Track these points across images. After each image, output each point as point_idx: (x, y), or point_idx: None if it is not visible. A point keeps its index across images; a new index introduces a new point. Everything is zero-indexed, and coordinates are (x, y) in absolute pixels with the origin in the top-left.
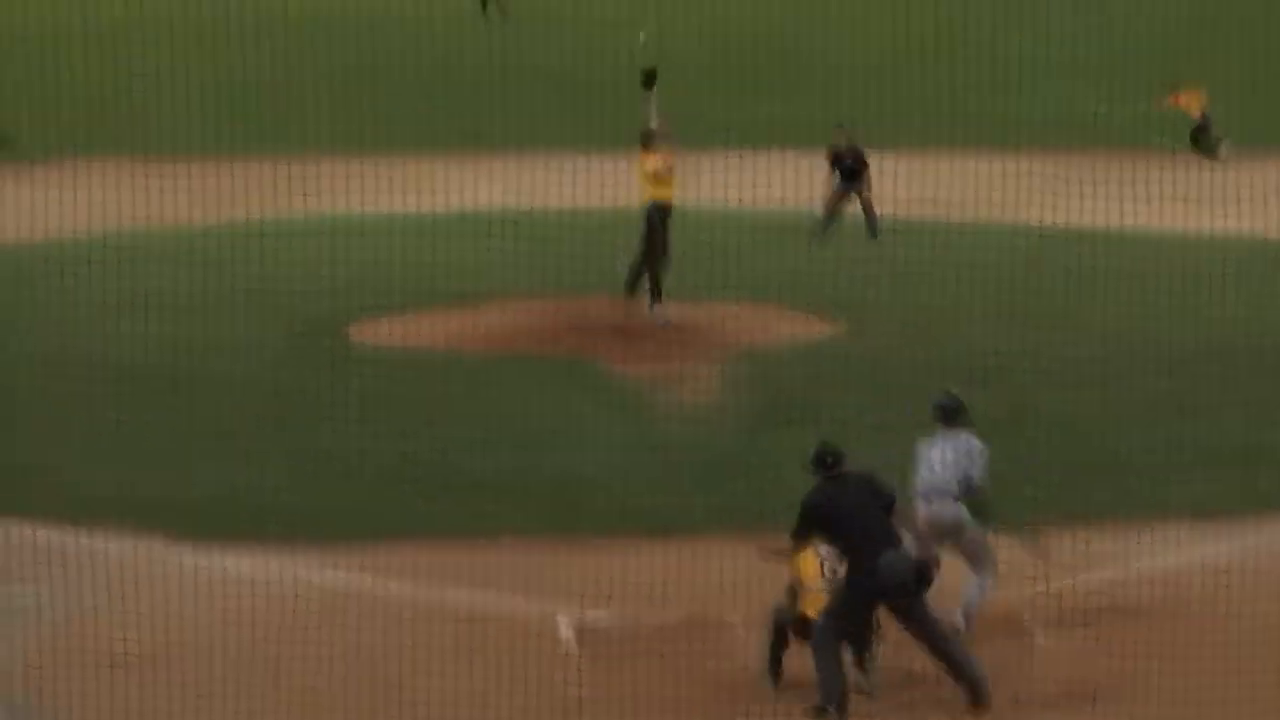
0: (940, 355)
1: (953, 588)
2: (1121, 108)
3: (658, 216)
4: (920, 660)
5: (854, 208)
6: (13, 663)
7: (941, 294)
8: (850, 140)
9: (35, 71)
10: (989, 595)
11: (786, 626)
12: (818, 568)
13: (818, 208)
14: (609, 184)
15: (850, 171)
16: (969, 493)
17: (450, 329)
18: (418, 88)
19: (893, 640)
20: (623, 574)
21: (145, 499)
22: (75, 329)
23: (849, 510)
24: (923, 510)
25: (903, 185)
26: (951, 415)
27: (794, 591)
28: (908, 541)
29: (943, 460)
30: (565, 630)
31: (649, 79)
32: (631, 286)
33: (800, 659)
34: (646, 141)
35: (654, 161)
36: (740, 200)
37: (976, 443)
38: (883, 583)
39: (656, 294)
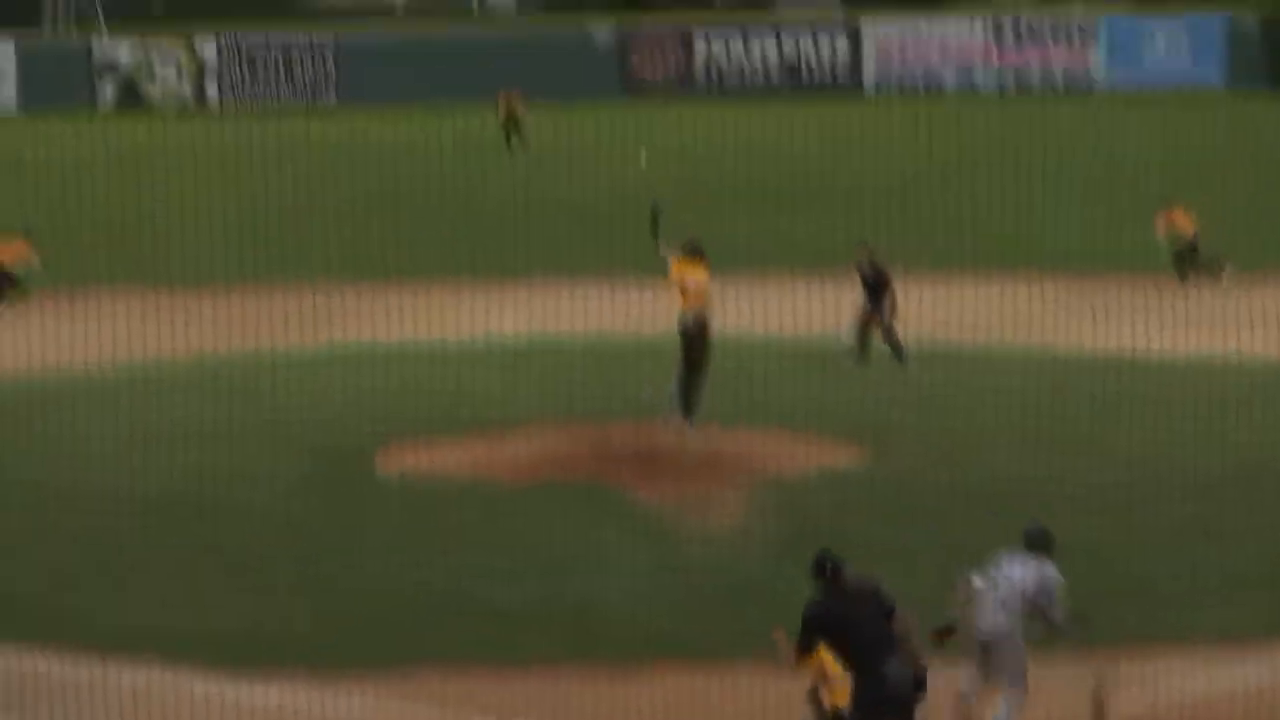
0: (965, 480)
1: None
2: (1134, 233)
3: (682, 327)
4: None
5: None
6: None
7: (967, 419)
8: (872, 258)
9: (58, 201)
10: (1020, 711)
11: None
12: (832, 657)
13: (848, 334)
14: (631, 312)
15: (873, 291)
16: (1044, 619)
17: (473, 457)
18: (439, 216)
19: None
20: (650, 702)
21: (166, 629)
22: (98, 461)
23: (850, 618)
24: (987, 619)
25: (928, 308)
26: (1035, 542)
27: (816, 696)
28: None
29: (1024, 579)
30: None
31: (654, 225)
32: (685, 406)
33: None
34: (682, 252)
35: (675, 271)
36: (766, 327)
37: (1054, 573)
38: (891, 691)
39: (688, 407)
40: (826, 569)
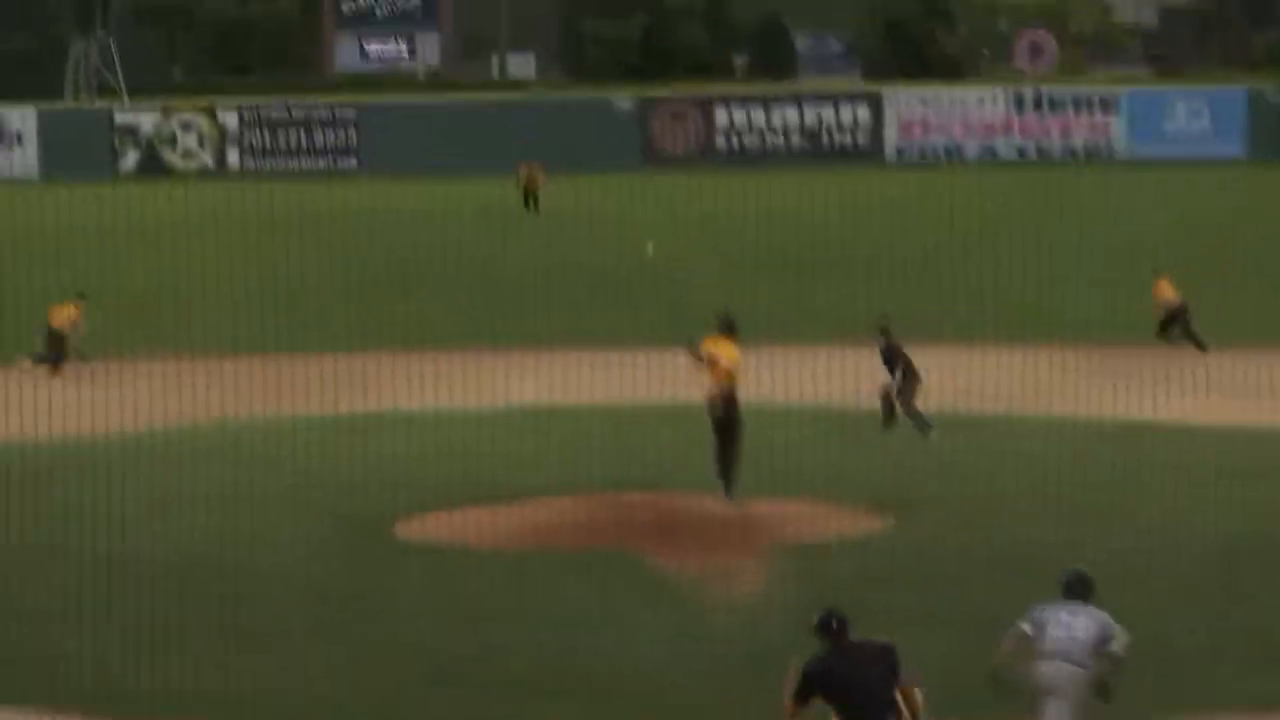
0: (987, 547)
1: None
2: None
3: (709, 403)
4: None
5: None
6: None
7: (988, 485)
8: (886, 331)
9: (82, 270)
10: None
11: None
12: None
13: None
14: (651, 378)
15: (888, 364)
16: (1112, 661)
17: (494, 524)
18: (459, 283)
19: None
20: None
21: (188, 692)
22: (120, 525)
23: (853, 677)
24: (1049, 668)
25: (949, 377)
26: (1076, 588)
27: None
28: None
29: (1085, 627)
30: None
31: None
32: (722, 479)
33: None
34: (715, 330)
35: (706, 347)
36: (788, 395)
37: (1106, 616)
38: None
39: (725, 480)
40: (831, 626)
